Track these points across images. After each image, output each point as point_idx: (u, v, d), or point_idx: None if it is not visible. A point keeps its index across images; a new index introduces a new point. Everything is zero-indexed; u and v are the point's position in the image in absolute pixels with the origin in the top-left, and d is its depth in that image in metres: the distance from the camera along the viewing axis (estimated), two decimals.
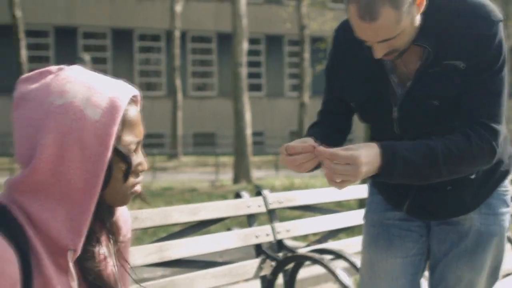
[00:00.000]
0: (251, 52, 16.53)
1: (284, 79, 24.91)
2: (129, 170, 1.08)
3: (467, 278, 1.60)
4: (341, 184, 1.33)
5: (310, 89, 21.64)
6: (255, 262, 2.36)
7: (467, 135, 1.41)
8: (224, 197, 9.62)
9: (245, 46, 12.64)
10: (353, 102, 1.60)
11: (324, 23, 19.40)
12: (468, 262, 1.60)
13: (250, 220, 2.45)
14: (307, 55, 20.72)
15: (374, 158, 1.33)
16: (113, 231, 1.16)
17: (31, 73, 1.07)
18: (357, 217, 2.90)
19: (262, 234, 2.41)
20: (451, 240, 1.61)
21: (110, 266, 1.16)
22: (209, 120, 22.93)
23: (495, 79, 1.44)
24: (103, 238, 1.15)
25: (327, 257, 2.33)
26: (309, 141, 1.39)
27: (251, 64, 15.99)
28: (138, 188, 1.13)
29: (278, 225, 2.49)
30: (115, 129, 1.02)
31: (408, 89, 1.49)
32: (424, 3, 1.38)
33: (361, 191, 2.95)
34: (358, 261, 2.15)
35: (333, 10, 20.57)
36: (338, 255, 2.42)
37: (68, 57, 21.33)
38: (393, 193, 1.66)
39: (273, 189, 10.72)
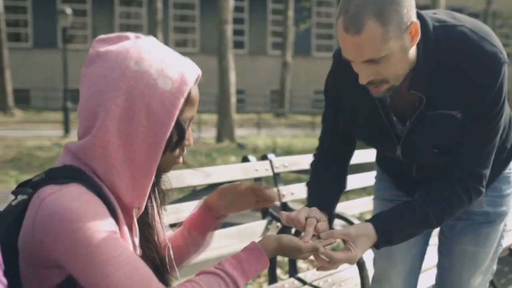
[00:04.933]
0: (235, 9, 16.29)
1: (267, 37, 24.69)
2: (180, 142, 1.14)
3: (471, 252, 1.69)
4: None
5: (293, 48, 21.55)
6: (262, 223, 2.46)
7: (455, 190, 1.43)
8: (208, 155, 9.68)
9: (231, 2, 12.47)
10: (357, 139, 1.60)
11: None
12: (473, 237, 1.67)
13: (257, 183, 2.53)
14: (291, 13, 20.53)
15: (370, 244, 1.39)
16: (163, 193, 1.26)
17: (109, 35, 1.12)
18: (355, 180, 3.00)
19: None
20: (459, 217, 1.67)
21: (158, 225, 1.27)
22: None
23: (491, 124, 1.40)
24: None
25: None
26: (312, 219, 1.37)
27: (234, 21, 15.80)
28: (180, 160, 1.19)
29: (283, 188, 2.58)
30: (182, 101, 1.08)
31: (407, 131, 1.46)
32: (419, 35, 1.29)
33: (358, 156, 3.06)
34: (356, 222, 2.26)
35: None
36: (339, 216, 2.51)
37: (48, 9, 20.79)
38: (403, 183, 1.72)
39: (256, 149, 10.83)
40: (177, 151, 1.16)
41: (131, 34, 1.11)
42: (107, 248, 1.00)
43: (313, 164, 1.66)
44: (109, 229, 1.02)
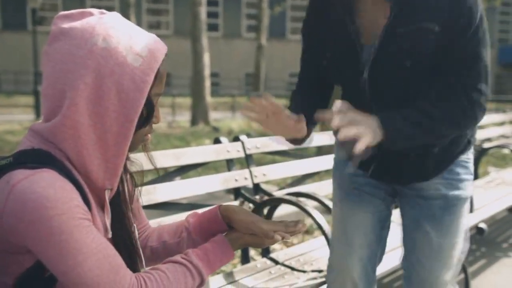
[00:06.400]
0: None
1: (242, 20, 24.53)
2: (149, 119, 1.13)
3: (435, 242, 1.66)
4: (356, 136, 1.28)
5: (267, 31, 21.46)
6: (234, 204, 2.47)
7: (459, 102, 1.42)
8: (182, 138, 9.64)
9: None
10: (324, 60, 1.59)
11: None
12: (436, 226, 1.65)
13: (229, 164, 2.54)
14: None
15: (376, 123, 1.36)
16: (137, 174, 1.27)
17: (71, 11, 1.09)
18: (327, 161, 3.05)
19: (240, 178, 2.51)
20: (419, 205, 1.67)
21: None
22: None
23: (475, 39, 1.40)
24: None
25: (302, 199, 2.46)
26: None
27: (208, 3, 15.64)
28: (149, 137, 1.19)
29: (255, 169, 2.60)
30: (152, 77, 1.07)
31: (377, 46, 1.45)
32: None
33: (320, 139, 3.11)
34: (328, 202, 2.29)
35: None
36: (311, 197, 2.55)
37: None
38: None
39: (230, 132, 10.82)
40: (146, 128, 1.15)
41: (94, 10, 1.09)
42: (80, 236, 0.99)
43: (292, 93, 1.68)
44: (82, 216, 1.01)
